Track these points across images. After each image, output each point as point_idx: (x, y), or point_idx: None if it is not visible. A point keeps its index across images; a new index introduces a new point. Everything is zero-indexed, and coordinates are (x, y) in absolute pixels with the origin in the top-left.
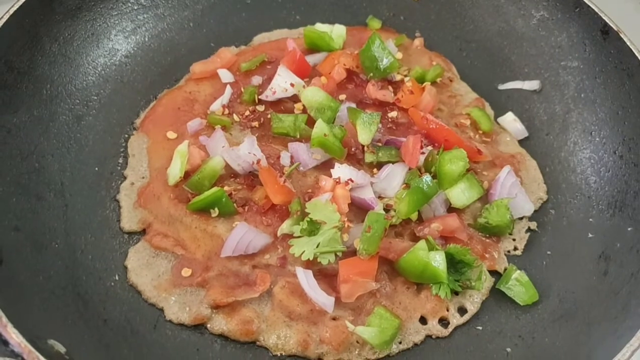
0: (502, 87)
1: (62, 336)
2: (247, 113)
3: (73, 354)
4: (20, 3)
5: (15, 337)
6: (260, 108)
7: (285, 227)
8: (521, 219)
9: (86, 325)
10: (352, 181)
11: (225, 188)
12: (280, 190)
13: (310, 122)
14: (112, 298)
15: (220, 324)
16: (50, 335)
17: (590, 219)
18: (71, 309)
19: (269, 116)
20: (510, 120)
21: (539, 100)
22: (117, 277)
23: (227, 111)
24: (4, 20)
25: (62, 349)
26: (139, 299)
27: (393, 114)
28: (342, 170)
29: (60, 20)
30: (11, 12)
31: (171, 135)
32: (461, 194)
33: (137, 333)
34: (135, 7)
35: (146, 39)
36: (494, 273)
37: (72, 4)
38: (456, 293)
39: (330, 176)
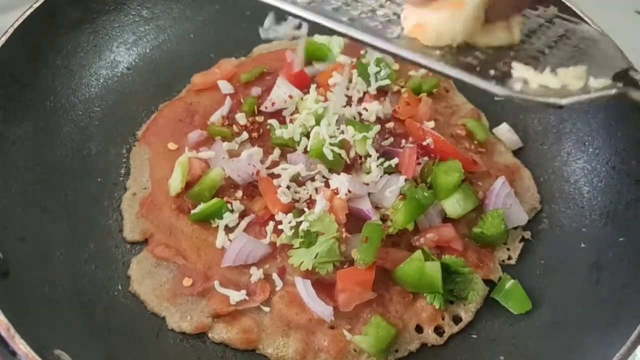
0: (497, 98)
1: (68, 345)
2: (247, 124)
3: None
4: (23, 17)
5: (22, 348)
6: (260, 119)
7: (284, 237)
8: (515, 228)
9: (91, 334)
10: (349, 192)
11: (225, 199)
12: (279, 200)
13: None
14: (115, 307)
15: (220, 332)
16: (56, 345)
17: (583, 229)
18: (76, 318)
19: (268, 127)
20: (505, 131)
21: (534, 111)
22: (120, 287)
23: (227, 122)
24: (8, 34)
25: (68, 358)
26: (141, 307)
27: (390, 125)
28: (339, 181)
29: (63, 33)
30: (15, 26)
31: (172, 146)
32: (456, 204)
33: (140, 341)
34: (137, 19)
35: (147, 51)
36: (488, 282)
37: (75, 17)
38: (451, 302)
39: (329, 187)
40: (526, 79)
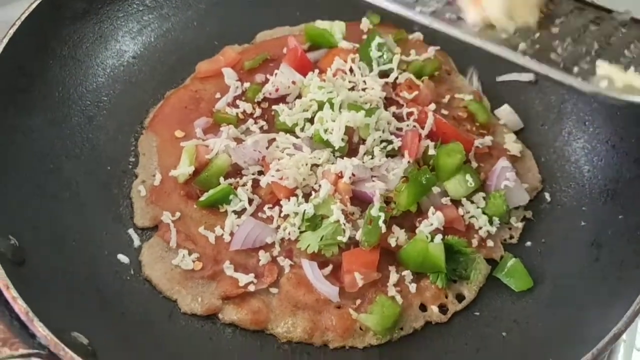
0: (499, 78)
1: (84, 329)
2: (251, 110)
3: (95, 344)
4: (29, 10)
5: (41, 331)
6: (264, 105)
7: (290, 221)
8: (517, 208)
9: (105, 317)
10: (353, 175)
11: (233, 184)
12: (284, 185)
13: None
14: (128, 291)
15: (230, 313)
16: (74, 328)
17: (584, 207)
18: (91, 303)
19: (272, 113)
20: (507, 112)
21: (535, 92)
22: (132, 272)
23: (232, 109)
24: (15, 27)
25: (84, 340)
26: (153, 291)
27: (392, 108)
28: (343, 164)
29: (68, 24)
30: (22, 18)
31: (179, 133)
32: (458, 185)
33: (153, 324)
34: (141, 9)
35: (152, 40)
36: (490, 260)
37: (80, 8)
38: (454, 281)
39: (333, 171)
40: (611, 77)
